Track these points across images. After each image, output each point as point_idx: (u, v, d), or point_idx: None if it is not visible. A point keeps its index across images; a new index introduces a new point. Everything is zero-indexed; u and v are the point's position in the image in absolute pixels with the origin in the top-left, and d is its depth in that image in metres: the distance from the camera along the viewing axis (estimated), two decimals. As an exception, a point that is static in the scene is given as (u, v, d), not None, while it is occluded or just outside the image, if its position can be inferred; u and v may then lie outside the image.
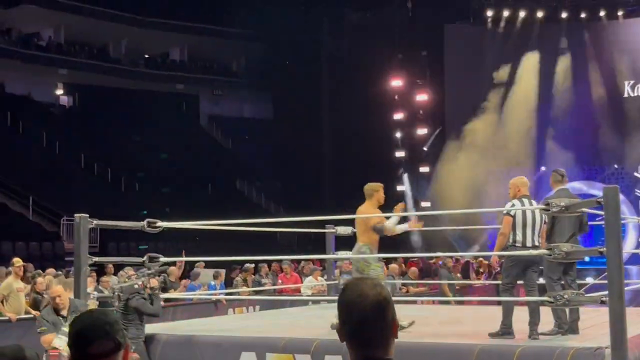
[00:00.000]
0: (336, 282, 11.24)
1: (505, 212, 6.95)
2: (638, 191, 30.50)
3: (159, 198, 27.53)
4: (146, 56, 36.01)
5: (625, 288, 10.23)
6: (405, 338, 6.78)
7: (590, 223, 7.37)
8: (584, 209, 6.49)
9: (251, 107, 37.83)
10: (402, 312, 10.09)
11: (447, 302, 13.26)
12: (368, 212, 7.98)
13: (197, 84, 36.37)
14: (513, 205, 6.90)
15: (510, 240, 6.85)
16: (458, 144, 30.11)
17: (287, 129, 33.05)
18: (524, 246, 6.74)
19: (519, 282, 7.03)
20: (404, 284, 14.71)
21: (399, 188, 29.90)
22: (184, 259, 13.35)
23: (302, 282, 14.31)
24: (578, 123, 29.78)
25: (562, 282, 6.61)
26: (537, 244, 6.79)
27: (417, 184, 30.29)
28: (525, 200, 6.92)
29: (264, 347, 6.72)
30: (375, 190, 8.19)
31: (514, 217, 6.83)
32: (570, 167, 30.08)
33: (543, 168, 30.33)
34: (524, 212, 6.80)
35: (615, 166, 30.75)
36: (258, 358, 6.67)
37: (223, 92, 37.31)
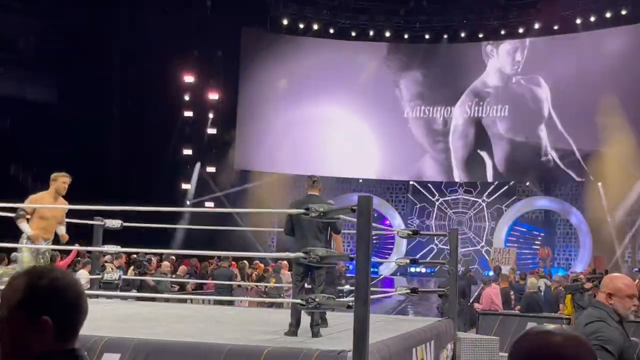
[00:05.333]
0: (99, 276, 10.83)
1: None
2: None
3: None
4: None
5: (381, 296, 10.75)
6: (158, 336, 6.62)
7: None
8: (341, 215, 6.73)
9: (34, 89, 35.68)
10: (171, 310, 9.86)
11: (221, 302, 13.17)
12: (44, 199, 8.33)
13: (-30, 59, 33.73)
14: None
15: None
16: (251, 145, 30.44)
17: (72, 117, 31.57)
18: None
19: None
20: (174, 282, 14.49)
21: (184, 186, 29.59)
22: None
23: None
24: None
25: (309, 285, 6.81)
26: None
27: (202, 183, 30.16)
28: None
29: None
30: (53, 179, 8.73)
31: None
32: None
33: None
34: None
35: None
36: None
37: (3, 69, 34.88)
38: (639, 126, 26.29)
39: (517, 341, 1.85)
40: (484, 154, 31.32)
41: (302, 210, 6.41)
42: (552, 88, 29.91)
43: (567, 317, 13.29)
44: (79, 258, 15.08)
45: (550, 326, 1.87)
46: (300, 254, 6.37)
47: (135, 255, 15.74)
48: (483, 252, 31.98)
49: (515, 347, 1.83)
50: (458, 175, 32.06)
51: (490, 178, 31.56)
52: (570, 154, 29.18)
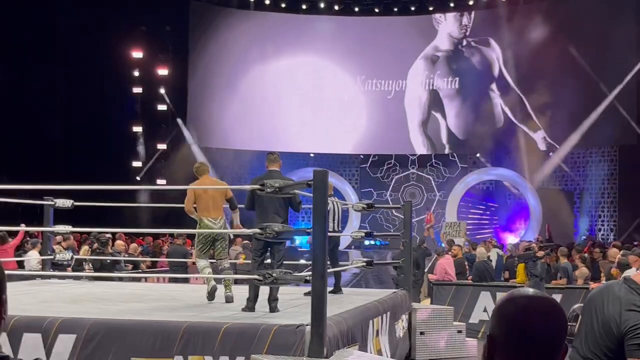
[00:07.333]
0: (51, 257, 10.64)
1: None
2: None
3: None
4: None
5: (334, 270, 10.76)
6: (114, 316, 6.54)
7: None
8: (296, 190, 6.71)
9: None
10: (126, 289, 9.76)
11: (176, 280, 13.13)
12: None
13: None
14: None
15: None
16: (200, 123, 30.14)
17: (18, 95, 30.83)
18: None
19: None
20: (128, 261, 14.34)
21: (135, 164, 29.21)
22: None
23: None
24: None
25: (268, 260, 6.79)
26: None
27: (153, 160, 29.79)
28: None
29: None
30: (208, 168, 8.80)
31: None
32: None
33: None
34: None
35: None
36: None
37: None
38: (588, 82, 26.68)
39: (503, 305, 1.88)
40: (439, 118, 31.55)
41: (257, 186, 6.37)
42: (502, 48, 30.22)
43: (520, 285, 13.55)
44: (28, 238, 14.81)
45: (530, 290, 1.93)
46: (257, 230, 6.35)
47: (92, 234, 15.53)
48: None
49: (501, 311, 1.86)
50: (413, 147, 32.21)
51: (444, 142, 31.82)
52: (524, 112, 29.53)
